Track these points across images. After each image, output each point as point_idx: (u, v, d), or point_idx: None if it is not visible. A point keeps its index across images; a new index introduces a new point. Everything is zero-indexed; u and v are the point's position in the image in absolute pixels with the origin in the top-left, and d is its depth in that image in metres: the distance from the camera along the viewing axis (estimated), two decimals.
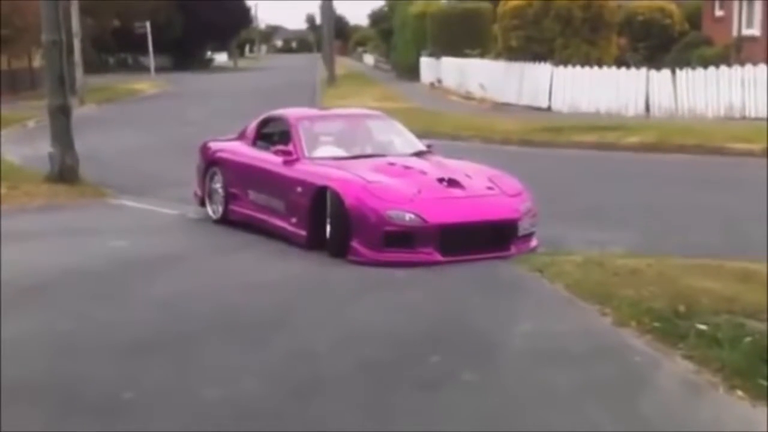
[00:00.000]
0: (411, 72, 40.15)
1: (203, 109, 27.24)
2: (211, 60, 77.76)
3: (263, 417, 4.27)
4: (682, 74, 21.51)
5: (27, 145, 17.55)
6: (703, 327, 5.17)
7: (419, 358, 5.03)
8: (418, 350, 5.16)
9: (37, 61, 33.47)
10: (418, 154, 9.04)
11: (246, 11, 78.88)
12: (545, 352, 5.10)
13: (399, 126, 9.76)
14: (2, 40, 26.49)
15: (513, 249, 7.73)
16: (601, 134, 17.55)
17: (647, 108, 21.91)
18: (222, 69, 68.86)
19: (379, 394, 4.53)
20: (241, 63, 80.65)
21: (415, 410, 4.33)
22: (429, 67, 36.99)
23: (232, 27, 72.58)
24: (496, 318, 5.84)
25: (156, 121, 24.48)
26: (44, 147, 12.98)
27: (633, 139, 16.84)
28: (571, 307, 6.03)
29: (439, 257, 7.45)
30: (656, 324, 5.32)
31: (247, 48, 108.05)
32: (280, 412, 4.33)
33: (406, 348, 5.23)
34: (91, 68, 37.25)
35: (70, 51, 23.27)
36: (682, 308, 5.53)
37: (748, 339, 4.92)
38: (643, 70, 22.30)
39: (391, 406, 4.38)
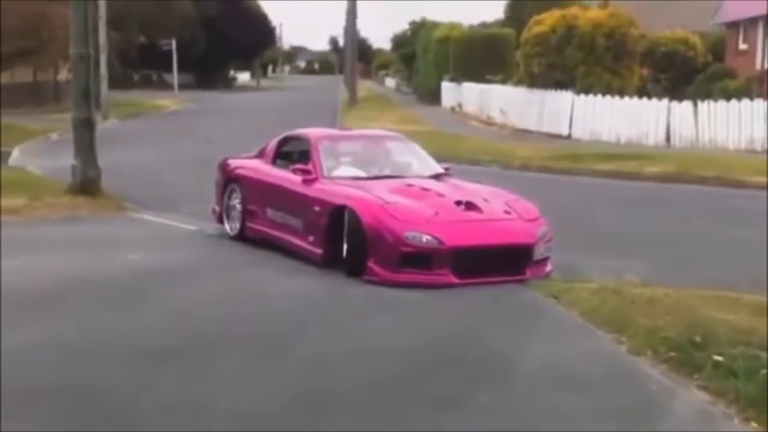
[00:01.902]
0: (432, 96, 40.31)
1: (224, 126, 27.44)
2: (234, 79, 78.34)
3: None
4: (704, 106, 21.48)
5: (50, 157, 17.72)
6: (719, 358, 5.13)
7: (434, 380, 5.01)
8: (433, 372, 5.15)
9: (63, 74, 33.84)
10: (436, 177, 9.06)
11: (270, 31, 79.48)
12: (560, 378, 5.08)
13: (417, 148, 9.79)
14: (29, 52, 26.80)
15: (528, 273, 7.73)
16: (620, 163, 17.53)
17: (668, 139, 21.87)
18: (245, 88, 69.38)
19: (390, 411, 4.52)
20: (264, 83, 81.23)
21: (426, 429, 4.31)
22: (450, 91, 37.12)
23: (256, 46, 73.11)
24: (511, 342, 5.82)
25: (178, 137, 24.67)
26: (67, 159, 13.09)
27: (653, 169, 16.80)
28: (587, 334, 6.01)
29: (454, 279, 7.46)
30: (672, 353, 5.29)
31: (270, 68, 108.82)
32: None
33: (422, 370, 5.21)
34: (115, 83, 37.68)
35: (96, 65, 23.53)
36: (698, 338, 5.49)
37: (763, 371, 4.88)
38: (665, 101, 22.29)
39: (402, 423, 4.37)
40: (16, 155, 19.19)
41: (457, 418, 4.48)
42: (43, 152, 19.39)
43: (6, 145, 20.06)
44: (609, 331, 5.92)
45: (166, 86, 57.02)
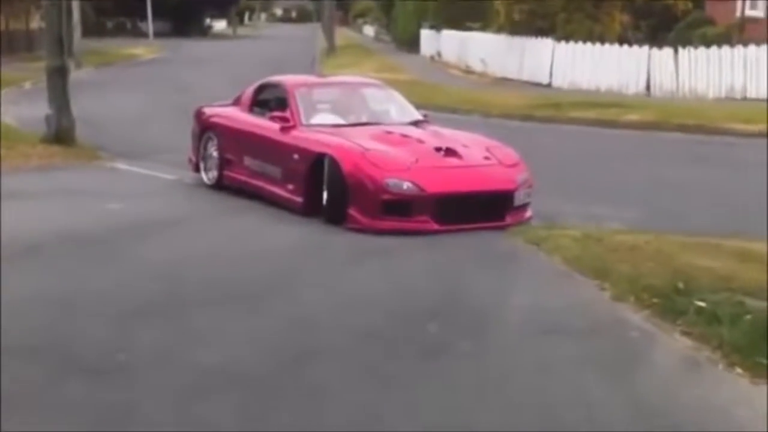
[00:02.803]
0: (411, 44, 39.86)
1: (201, 75, 27.03)
2: (210, 27, 77.07)
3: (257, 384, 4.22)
4: (684, 53, 21.38)
5: (23, 106, 17.38)
6: (702, 304, 5.11)
7: (417, 328, 4.97)
8: (415, 321, 5.10)
9: (35, 23, 33.13)
10: (415, 123, 8.97)
11: None
12: (543, 326, 5.05)
13: (396, 94, 9.68)
14: None
15: (508, 219, 7.71)
16: (600, 111, 17.45)
17: (648, 87, 21.78)
18: (221, 36, 68.35)
19: (378, 362, 4.48)
20: (241, 31, 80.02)
21: (413, 378, 4.28)
22: (429, 39, 36.73)
23: None
24: (493, 290, 5.78)
25: (152, 85, 24.28)
26: (40, 109, 12.83)
27: (633, 117, 16.75)
28: (569, 281, 5.97)
29: (435, 226, 7.44)
30: (655, 300, 5.27)
31: (246, 16, 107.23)
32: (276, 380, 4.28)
33: (403, 318, 5.17)
34: (89, 31, 36.93)
35: (69, 12, 23.01)
36: (681, 285, 5.47)
37: (747, 317, 4.88)
38: (645, 48, 22.14)
39: (391, 374, 4.34)
40: None
41: (440, 368, 4.44)
42: (16, 101, 19.01)
43: None
44: (592, 278, 5.88)
45: (140, 34, 55.98)
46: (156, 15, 53.79)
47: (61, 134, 12.30)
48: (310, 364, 4.43)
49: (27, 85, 22.69)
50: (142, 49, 41.51)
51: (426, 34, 37.52)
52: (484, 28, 29.77)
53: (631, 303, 5.33)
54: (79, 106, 13.55)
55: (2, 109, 16.87)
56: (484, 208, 7.70)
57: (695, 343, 4.71)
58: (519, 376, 4.38)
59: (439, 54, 34.25)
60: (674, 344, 4.77)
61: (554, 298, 5.61)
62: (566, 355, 4.60)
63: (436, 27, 35.27)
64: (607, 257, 6.28)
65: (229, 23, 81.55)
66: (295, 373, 4.30)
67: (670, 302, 5.22)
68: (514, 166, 8.08)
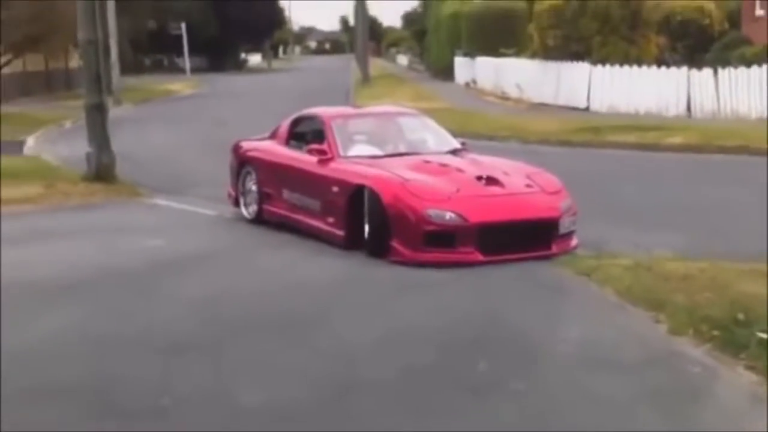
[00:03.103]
0: (445, 72, 39.87)
1: (238, 109, 27.21)
2: (245, 61, 78.00)
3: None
4: (725, 73, 21.05)
5: (64, 144, 17.56)
6: (764, 336, 4.88)
7: (465, 363, 4.80)
8: (463, 355, 4.94)
9: (74, 61, 33.66)
10: (453, 152, 8.84)
11: (280, 12, 78.97)
12: (598, 361, 4.85)
13: (432, 123, 9.57)
14: (37, 38, 26.58)
15: (554, 248, 7.52)
16: (641, 134, 17.18)
17: (689, 108, 21.47)
18: (256, 70, 69.07)
19: (424, 396, 4.32)
20: (275, 64, 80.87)
21: (462, 413, 4.12)
22: (464, 67, 36.69)
23: (266, 28, 72.66)
24: (544, 326, 5.59)
25: (191, 120, 24.46)
26: (81, 147, 12.92)
27: (674, 140, 16.46)
28: (623, 313, 5.77)
29: (479, 257, 7.26)
30: (714, 332, 5.05)
31: (280, 49, 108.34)
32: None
33: (451, 352, 5.00)
34: (127, 69, 37.49)
35: (107, 51, 23.36)
36: (740, 316, 5.24)
37: None
38: (684, 69, 21.85)
39: (437, 409, 4.18)
40: (30, 144, 19.06)
41: (490, 405, 4.27)
42: (57, 140, 19.23)
43: (20, 134, 19.94)
44: (646, 310, 5.67)
45: (177, 70, 56.78)
46: (192, 51, 54.58)
47: (101, 172, 12.36)
48: (352, 400, 4.29)
49: (67, 123, 22.99)
50: (179, 85, 42.05)
51: (460, 62, 37.50)
52: (518, 54, 29.66)
53: (689, 336, 5.11)
54: (120, 142, 13.63)
55: (43, 148, 17.09)
56: (530, 238, 7.53)
57: (760, 377, 4.49)
58: (573, 414, 4.19)
59: (474, 81, 34.18)
60: (738, 380, 4.55)
61: (609, 332, 5.40)
62: (625, 393, 4.40)
63: (470, 54, 35.23)
64: (660, 287, 6.06)
65: (264, 57, 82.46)
66: (337, 408, 4.16)
67: (731, 334, 5.00)
68: (556, 193, 7.92)
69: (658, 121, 19.53)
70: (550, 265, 7.18)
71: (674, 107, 21.57)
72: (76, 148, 13.79)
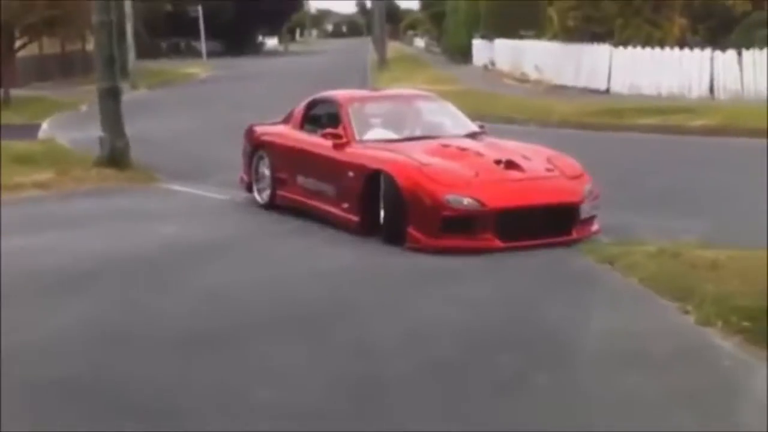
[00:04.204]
0: (463, 55, 39.52)
1: (256, 92, 27.03)
2: (262, 44, 77.80)
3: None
4: (749, 54, 20.63)
5: (78, 129, 17.46)
6: None
7: (487, 357, 4.60)
8: (486, 349, 4.74)
9: (91, 45, 33.55)
10: (472, 135, 8.62)
11: None
12: (624, 354, 4.64)
13: (450, 106, 9.35)
14: (54, 22, 26.49)
15: (575, 233, 7.31)
16: (664, 117, 16.86)
17: (711, 90, 21.08)
18: (273, 53, 68.92)
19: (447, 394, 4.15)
20: (292, 47, 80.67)
21: (483, 410, 3.94)
22: (482, 49, 36.34)
23: (283, 11, 72.38)
24: (567, 315, 5.37)
25: (208, 104, 24.31)
26: (95, 131, 12.77)
27: (698, 122, 16.13)
28: (648, 303, 5.54)
29: (498, 243, 7.07)
30: (745, 323, 4.82)
31: (297, 32, 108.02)
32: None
33: (474, 347, 4.81)
34: (143, 53, 37.32)
35: (122, 35, 23.23)
36: None
37: None
38: (708, 51, 21.45)
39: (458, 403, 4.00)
40: (45, 128, 18.98)
41: (515, 403, 4.08)
42: (72, 124, 19.13)
43: (35, 118, 19.86)
44: (672, 300, 5.45)
45: (194, 54, 56.60)
46: (209, 34, 54.35)
47: (114, 156, 12.20)
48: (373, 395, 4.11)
49: (83, 107, 22.90)
50: (196, 69, 41.90)
51: (478, 44, 37.14)
52: (538, 36, 29.28)
53: (718, 328, 4.89)
54: (134, 127, 13.48)
55: (57, 133, 17.00)
56: (550, 223, 7.33)
57: None
58: (599, 410, 3.99)
59: (492, 63, 33.83)
60: None
61: (634, 323, 5.18)
62: (652, 389, 4.19)
63: (488, 36, 34.86)
64: (688, 275, 5.83)
65: (281, 40, 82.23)
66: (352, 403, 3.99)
67: (762, 326, 4.77)
68: (578, 177, 7.70)
69: (681, 103, 19.18)
70: (571, 252, 6.94)
71: (697, 89, 21.19)
72: (91, 132, 13.67)
